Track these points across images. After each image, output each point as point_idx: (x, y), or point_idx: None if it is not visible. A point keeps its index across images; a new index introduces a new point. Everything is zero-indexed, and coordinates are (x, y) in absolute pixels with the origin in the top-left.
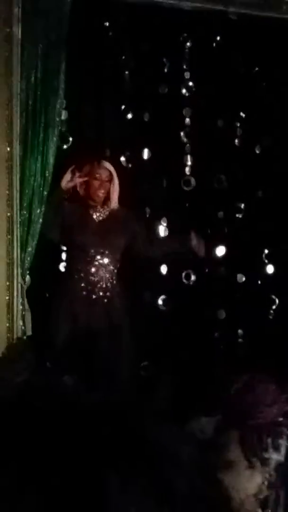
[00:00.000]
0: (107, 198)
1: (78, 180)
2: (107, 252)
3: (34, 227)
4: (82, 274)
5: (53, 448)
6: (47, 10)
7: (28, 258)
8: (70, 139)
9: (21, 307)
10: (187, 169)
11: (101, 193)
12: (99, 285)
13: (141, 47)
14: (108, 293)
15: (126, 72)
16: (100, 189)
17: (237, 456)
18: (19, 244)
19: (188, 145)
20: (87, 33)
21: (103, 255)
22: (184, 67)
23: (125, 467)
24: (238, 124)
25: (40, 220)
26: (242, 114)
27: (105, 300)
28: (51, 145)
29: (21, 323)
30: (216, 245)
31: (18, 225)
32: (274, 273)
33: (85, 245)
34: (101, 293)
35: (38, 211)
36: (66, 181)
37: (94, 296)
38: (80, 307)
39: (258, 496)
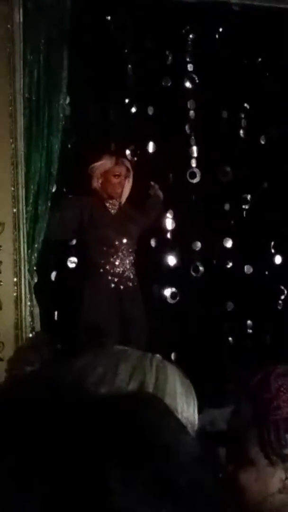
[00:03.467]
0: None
1: (99, 181)
2: (127, 242)
3: (40, 223)
4: (107, 267)
5: (53, 441)
6: (48, 5)
7: (35, 254)
8: (74, 134)
9: (29, 303)
10: (192, 162)
11: (119, 190)
12: (125, 275)
13: (143, 41)
14: (131, 283)
15: (129, 66)
16: (118, 186)
17: (256, 452)
18: (25, 240)
19: (193, 137)
20: (89, 28)
21: (124, 246)
22: (188, 59)
23: (127, 461)
24: (243, 115)
25: (47, 216)
26: (246, 105)
27: (130, 290)
28: (56, 140)
29: (29, 319)
30: (223, 237)
31: (25, 222)
32: (282, 263)
33: (108, 238)
34: (128, 283)
35: (44, 207)
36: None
37: (122, 287)
38: (110, 299)
39: (283, 492)
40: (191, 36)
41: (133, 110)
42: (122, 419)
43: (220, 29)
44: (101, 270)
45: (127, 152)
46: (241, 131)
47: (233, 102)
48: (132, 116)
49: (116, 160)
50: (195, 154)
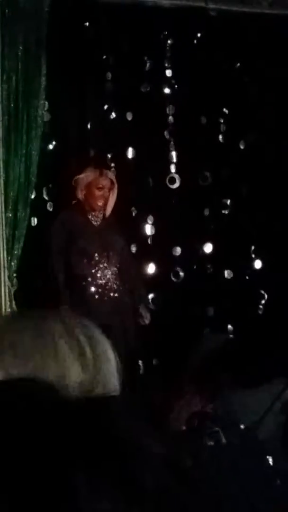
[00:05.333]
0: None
1: (83, 193)
2: (109, 254)
3: (19, 230)
4: (89, 279)
5: (18, 444)
6: (26, 12)
7: (15, 261)
8: (53, 140)
9: (9, 309)
10: (172, 167)
11: (101, 202)
12: (107, 287)
13: (121, 47)
14: (116, 294)
15: (108, 72)
16: (101, 198)
17: None
18: (5, 247)
19: (172, 142)
20: (67, 34)
21: (106, 258)
22: (166, 65)
23: (92, 463)
24: (222, 121)
25: (26, 222)
26: (225, 110)
27: (116, 300)
28: (35, 147)
29: None
30: (203, 242)
31: (4, 228)
32: (262, 268)
33: (89, 250)
34: (111, 294)
35: (23, 213)
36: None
37: (105, 298)
38: (96, 311)
39: None
40: (169, 41)
41: (112, 116)
42: (90, 420)
43: (198, 35)
44: (83, 283)
45: (107, 157)
46: (220, 136)
47: (212, 107)
48: (111, 122)
49: (100, 173)
50: (174, 160)
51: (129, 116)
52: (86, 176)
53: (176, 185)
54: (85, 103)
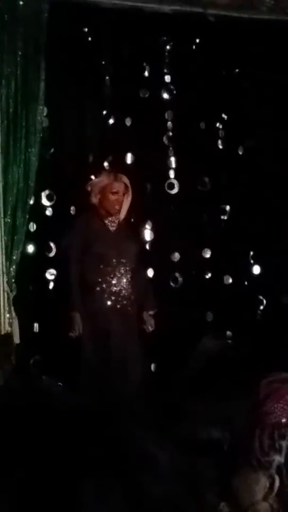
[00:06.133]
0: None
1: (97, 197)
2: (125, 261)
3: (18, 235)
4: (104, 286)
5: (26, 451)
6: (25, 18)
7: (14, 266)
8: (52, 146)
9: (8, 315)
10: (170, 173)
11: (116, 207)
12: (121, 294)
13: (120, 52)
14: (128, 302)
15: (107, 78)
16: (116, 203)
17: (244, 458)
18: (3, 252)
19: (171, 148)
20: (66, 40)
21: (122, 264)
22: (165, 70)
23: (101, 471)
24: (221, 126)
25: (25, 228)
26: (224, 115)
27: (129, 308)
28: (33, 152)
29: (9, 330)
30: (202, 247)
31: (3, 234)
32: (261, 273)
33: (106, 256)
34: (124, 302)
35: (22, 219)
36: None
37: (118, 306)
38: (108, 319)
39: (267, 500)
40: (168, 47)
41: (111, 121)
42: (101, 431)
43: (197, 40)
44: (98, 288)
45: (105, 163)
46: (219, 142)
47: (210, 113)
48: (110, 128)
49: (114, 177)
50: (173, 165)
51: (128, 122)
52: (101, 181)
53: (175, 190)
54: (84, 109)
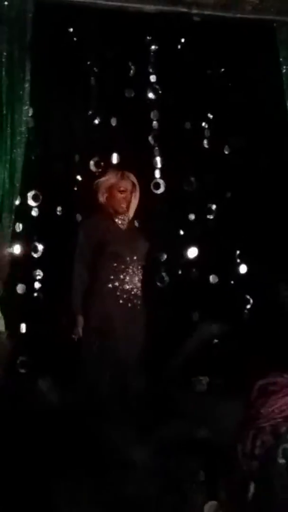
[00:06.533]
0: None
1: (104, 196)
2: (137, 258)
3: (4, 236)
4: (116, 283)
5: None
6: (10, 18)
7: None
8: (38, 146)
9: None
10: (156, 172)
11: (124, 205)
12: (133, 292)
13: (106, 52)
14: (139, 301)
15: (92, 78)
16: (123, 201)
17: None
18: None
19: (156, 148)
20: (51, 40)
21: (134, 262)
22: (150, 70)
23: (74, 472)
24: (206, 126)
25: (11, 228)
26: (209, 115)
27: (139, 307)
28: (19, 153)
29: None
30: (188, 247)
31: None
32: (247, 273)
33: (118, 254)
34: (135, 301)
35: (8, 219)
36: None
37: (129, 304)
38: (119, 316)
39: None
40: (153, 47)
41: (96, 121)
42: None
43: (182, 40)
44: (110, 286)
45: (91, 163)
46: (205, 141)
47: (196, 113)
48: (96, 128)
49: (121, 175)
50: (159, 165)
51: (113, 122)
52: (107, 179)
53: (161, 190)
54: (69, 109)
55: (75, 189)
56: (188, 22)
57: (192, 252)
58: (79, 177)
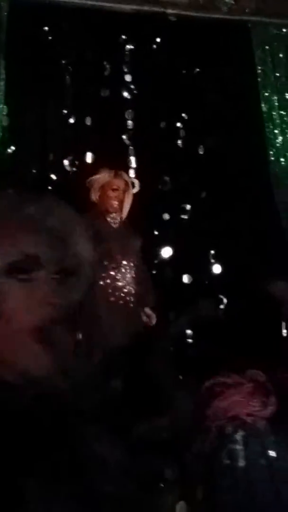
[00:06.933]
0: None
1: (97, 194)
2: (129, 257)
3: None
4: (108, 281)
5: None
6: None
7: None
8: (12, 145)
9: None
10: (131, 172)
11: (116, 204)
12: (125, 290)
13: (81, 51)
14: (132, 298)
15: (67, 77)
16: (115, 200)
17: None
18: None
19: (131, 147)
20: (26, 39)
21: (126, 260)
22: (125, 70)
23: (46, 471)
24: (181, 126)
25: None
26: (184, 115)
27: (131, 305)
28: None
29: None
30: (162, 246)
31: None
32: (221, 273)
33: (110, 252)
34: (127, 298)
35: None
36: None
37: (121, 302)
38: (111, 314)
39: None
40: (128, 46)
41: (71, 120)
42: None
43: (157, 40)
44: (102, 283)
45: (65, 162)
46: (180, 141)
47: (171, 112)
48: (70, 127)
49: (114, 174)
50: (133, 165)
51: (88, 121)
52: (100, 178)
53: (135, 190)
54: (44, 108)
55: (49, 188)
56: (164, 22)
57: (166, 252)
58: (53, 176)
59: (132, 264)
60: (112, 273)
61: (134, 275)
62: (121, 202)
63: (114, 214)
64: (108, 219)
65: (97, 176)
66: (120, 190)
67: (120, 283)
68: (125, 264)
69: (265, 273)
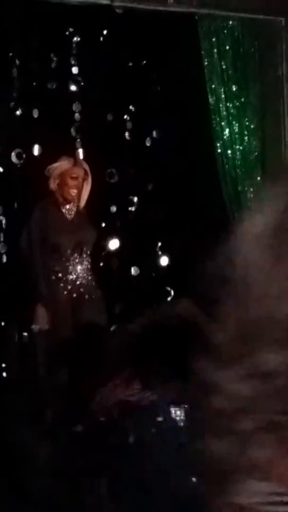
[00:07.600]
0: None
1: (55, 182)
2: (83, 249)
3: None
4: (60, 275)
5: None
6: None
7: None
8: None
9: None
10: None
11: (74, 192)
12: (78, 283)
13: (27, 43)
14: (87, 290)
15: (14, 69)
16: (74, 188)
17: None
18: None
19: (78, 140)
20: None
21: (79, 253)
22: (72, 62)
23: None
24: (128, 118)
25: None
26: (131, 107)
27: (86, 297)
28: None
29: None
30: (110, 238)
31: None
32: (168, 264)
33: (61, 245)
34: (81, 290)
35: None
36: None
37: (75, 295)
38: (64, 307)
39: None
40: (75, 38)
41: (18, 113)
42: None
43: (104, 32)
44: (53, 278)
45: (13, 155)
46: (127, 134)
47: (118, 105)
48: (17, 119)
49: (74, 162)
50: (81, 157)
51: (35, 113)
52: (60, 165)
53: None
54: None
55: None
56: (111, 14)
57: (114, 244)
58: (0, 169)
59: (85, 256)
60: (63, 266)
61: (88, 267)
62: (80, 191)
63: (70, 205)
64: (63, 210)
65: (57, 164)
66: (79, 179)
67: (72, 276)
68: (76, 257)
69: (209, 266)
